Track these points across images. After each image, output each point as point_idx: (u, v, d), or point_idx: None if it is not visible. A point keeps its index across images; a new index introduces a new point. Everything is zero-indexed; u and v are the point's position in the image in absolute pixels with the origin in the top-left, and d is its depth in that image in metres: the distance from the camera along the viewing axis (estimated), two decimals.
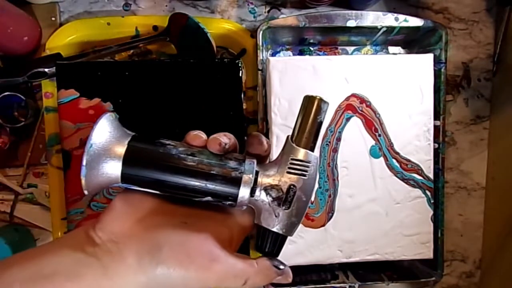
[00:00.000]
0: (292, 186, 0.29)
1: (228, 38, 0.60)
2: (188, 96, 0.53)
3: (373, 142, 0.56)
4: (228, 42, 0.60)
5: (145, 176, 0.28)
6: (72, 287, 0.24)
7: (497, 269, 0.63)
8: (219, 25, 0.59)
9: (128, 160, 0.28)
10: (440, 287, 0.67)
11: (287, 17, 0.57)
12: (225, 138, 0.29)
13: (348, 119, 0.56)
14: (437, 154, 0.58)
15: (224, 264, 0.27)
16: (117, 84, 0.53)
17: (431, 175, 0.57)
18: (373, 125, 0.56)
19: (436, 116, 0.58)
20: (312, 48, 0.63)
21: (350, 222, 0.56)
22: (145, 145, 0.29)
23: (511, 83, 0.62)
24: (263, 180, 0.29)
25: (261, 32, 0.56)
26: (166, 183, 0.28)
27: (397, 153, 0.57)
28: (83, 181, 0.27)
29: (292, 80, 0.55)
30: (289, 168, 0.29)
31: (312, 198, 0.56)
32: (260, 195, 0.29)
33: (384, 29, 0.57)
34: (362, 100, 0.56)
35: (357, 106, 0.56)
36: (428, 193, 0.57)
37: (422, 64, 0.57)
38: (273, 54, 0.62)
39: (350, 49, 0.63)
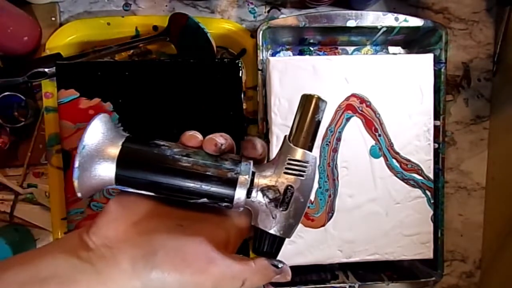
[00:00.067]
0: (289, 187, 0.28)
1: (228, 38, 0.60)
2: (188, 96, 0.53)
3: (373, 142, 0.56)
4: (228, 42, 0.60)
5: (140, 178, 0.28)
6: None
7: (497, 269, 0.63)
8: (219, 25, 0.59)
9: (122, 161, 0.27)
10: (440, 287, 0.67)
11: (287, 17, 0.57)
12: (221, 139, 0.29)
13: (348, 119, 0.56)
14: (437, 154, 0.58)
15: (220, 267, 0.27)
16: (117, 84, 0.53)
17: (431, 175, 0.57)
18: (373, 125, 0.56)
19: (436, 116, 0.58)
20: (312, 48, 0.63)
21: (350, 222, 0.56)
22: (139, 146, 0.28)
23: (511, 83, 0.62)
24: (260, 181, 0.29)
25: (261, 32, 0.56)
26: (161, 185, 0.28)
27: (397, 153, 0.57)
28: (75, 184, 0.26)
29: (292, 80, 0.55)
30: (286, 168, 0.29)
31: (312, 198, 0.56)
32: (257, 196, 0.29)
33: (384, 29, 0.57)
34: (362, 100, 0.56)
35: (357, 106, 0.56)
36: (428, 193, 0.57)
37: (422, 64, 0.57)
38: (273, 54, 0.62)
39: (350, 49, 0.63)
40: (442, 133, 0.58)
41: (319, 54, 0.63)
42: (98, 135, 0.27)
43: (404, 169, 0.57)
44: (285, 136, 0.30)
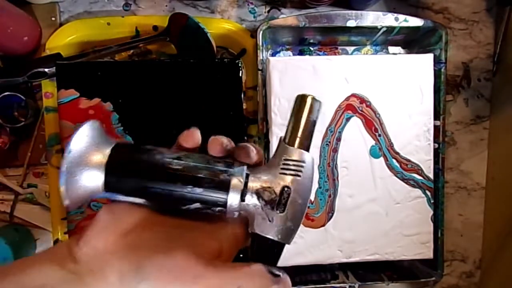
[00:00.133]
0: (285, 188, 0.27)
1: (228, 38, 0.60)
2: (188, 96, 0.53)
3: (373, 142, 0.56)
4: (228, 42, 0.60)
5: (128, 184, 0.27)
6: None
7: (497, 269, 0.63)
8: (219, 25, 0.59)
9: (110, 167, 0.26)
10: (440, 287, 0.67)
11: (287, 17, 0.57)
12: (226, 139, 0.28)
13: (348, 119, 0.56)
14: (437, 154, 0.58)
15: (210, 279, 0.26)
16: (117, 84, 0.53)
17: (431, 175, 0.57)
18: (373, 125, 0.56)
19: (436, 116, 0.58)
20: (312, 48, 0.63)
21: (350, 222, 0.56)
22: (128, 151, 0.28)
23: (511, 83, 0.62)
24: (254, 183, 0.27)
25: (261, 32, 0.56)
26: (151, 190, 0.27)
27: (397, 153, 0.57)
28: (62, 190, 0.25)
29: (292, 80, 0.55)
30: (282, 168, 0.28)
31: (312, 198, 0.56)
32: (252, 199, 0.27)
33: (384, 29, 0.57)
34: (362, 100, 0.56)
35: (357, 106, 0.56)
36: (428, 193, 0.57)
37: (422, 64, 0.57)
38: (273, 54, 0.62)
39: (350, 49, 0.63)
40: (442, 133, 0.58)
41: (319, 54, 0.63)
42: (87, 141, 0.27)
43: (404, 169, 0.57)
44: (281, 137, 0.30)
